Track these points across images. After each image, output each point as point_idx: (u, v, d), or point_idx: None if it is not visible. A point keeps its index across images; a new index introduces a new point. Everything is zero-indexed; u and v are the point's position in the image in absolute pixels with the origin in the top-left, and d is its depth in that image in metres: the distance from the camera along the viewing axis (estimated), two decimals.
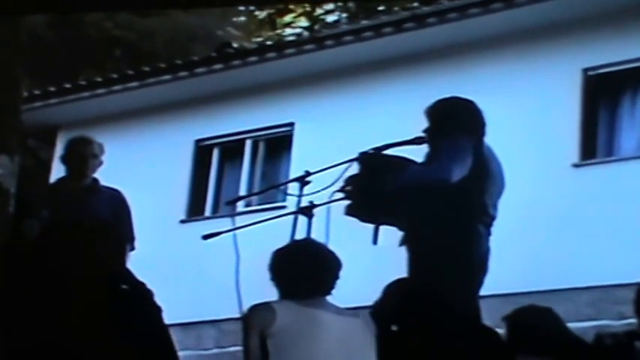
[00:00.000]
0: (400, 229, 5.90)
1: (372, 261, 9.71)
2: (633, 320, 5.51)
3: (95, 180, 7.09)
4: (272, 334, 4.72)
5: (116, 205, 6.93)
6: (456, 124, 5.88)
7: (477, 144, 5.82)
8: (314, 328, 4.77)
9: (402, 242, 5.84)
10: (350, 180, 5.86)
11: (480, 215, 5.77)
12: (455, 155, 5.68)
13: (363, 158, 5.92)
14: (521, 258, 10.37)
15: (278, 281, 4.96)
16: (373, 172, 5.84)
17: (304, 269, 4.92)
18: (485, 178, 5.81)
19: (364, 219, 5.96)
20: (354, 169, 5.92)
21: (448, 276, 5.57)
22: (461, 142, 5.76)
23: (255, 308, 4.83)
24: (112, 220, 6.73)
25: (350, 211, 5.90)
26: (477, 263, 5.73)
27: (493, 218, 5.86)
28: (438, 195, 5.68)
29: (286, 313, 4.77)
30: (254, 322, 4.77)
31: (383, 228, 5.98)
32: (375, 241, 5.92)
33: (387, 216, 5.90)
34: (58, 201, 6.87)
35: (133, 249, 6.96)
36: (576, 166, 11.12)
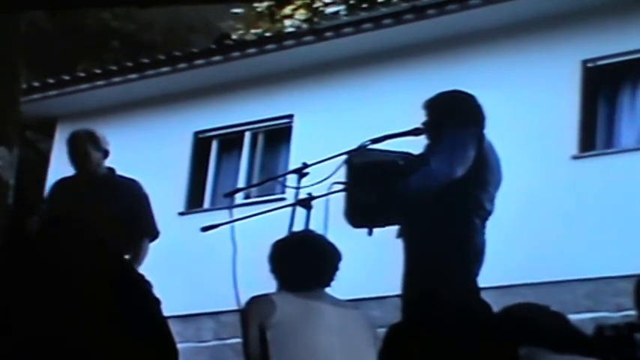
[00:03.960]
0: (397, 223, 5.92)
1: (370, 253, 9.71)
2: (632, 312, 5.52)
3: (111, 170, 7.05)
4: (271, 326, 4.72)
5: (132, 195, 6.88)
6: (458, 116, 5.90)
7: (480, 137, 5.84)
8: (313, 320, 4.77)
9: (400, 234, 5.85)
10: (341, 189, 5.85)
11: (477, 208, 5.78)
12: (457, 150, 5.71)
13: (351, 164, 5.91)
14: (520, 250, 10.37)
15: (277, 273, 4.96)
16: (365, 181, 5.84)
17: (304, 261, 4.92)
18: (484, 171, 5.82)
19: (366, 226, 5.96)
20: (342, 175, 5.90)
21: (445, 268, 5.57)
22: (463, 135, 5.78)
23: (254, 300, 4.82)
24: (126, 210, 6.69)
25: (355, 223, 5.90)
26: (473, 256, 5.74)
27: (490, 212, 5.87)
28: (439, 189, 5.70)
29: (285, 305, 4.77)
30: (253, 314, 4.77)
31: None
32: (370, 233, 5.92)
33: (385, 216, 5.90)
34: (67, 194, 6.86)
35: (154, 238, 6.90)
36: (576, 157, 11.11)
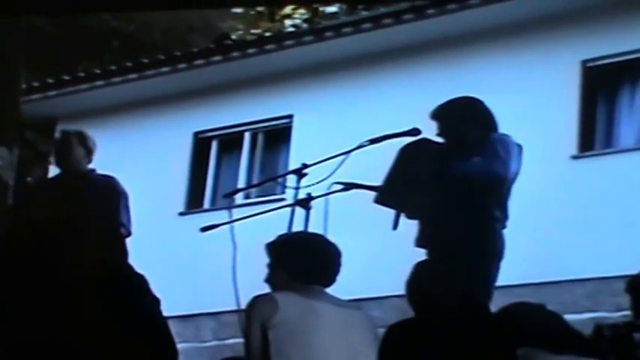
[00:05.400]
0: (410, 217, 5.95)
1: (370, 253, 9.72)
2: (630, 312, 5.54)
3: (91, 170, 7.08)
4: (274, 326, 4.68)
5: (108, 192, 6.90)
6: (475, 121, 5.97)
7: (520, 146, 5.93)
8: (316, 321, 4.73)
9: (419, 243, 5.89)
10: (411, 159, 5.90)
11: (498, 213, 5.85)
12: (509, 152, 5.81)
13: (421, 142, 5.93)
14: (519, 250, 10.32)
15: (283, 265, 4.89)
16: (434, 157, 5.89)
17: (310, 258, 4.89)
18: (515, 177, 5.93)
19: (389, 205, 5.99)
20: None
21: (466, 272, 5.59)
22: (511, 140, 5.95)
23: (257, 299, 4.77)
24: (103, 207, 6.71)
25: (380, 200, 5.94)
26: (491, 259, 5.80)
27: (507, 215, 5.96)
28: (468, 190, 5.74)
29: (288, 305, 4.72)
30: (256, 314, 4.72)
31: (383, 220, 6.01)
32: (395, 227, 5.95)
33: (409, 206, 5.95)
34: (50, 195, 6.88)
35: (128, 235, 6.93)
36: (575, 157, 11.12)
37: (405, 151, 5.99)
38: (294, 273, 4.88)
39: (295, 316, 4.71)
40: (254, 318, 4.72)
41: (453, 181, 5.80)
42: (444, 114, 6.04)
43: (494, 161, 5.80)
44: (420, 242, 5.92)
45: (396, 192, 5.95)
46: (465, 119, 5.99)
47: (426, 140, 5.98)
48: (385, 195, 5.98)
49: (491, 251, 5.81)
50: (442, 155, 5.91)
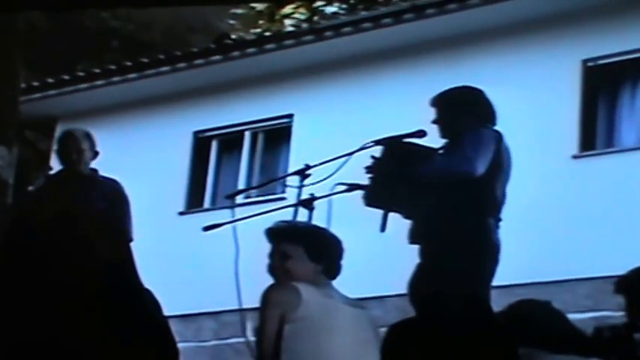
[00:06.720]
0: (407, 217, 5.92)
1: (371, 253, 9.71)
2: None
3: (94, 170, 7.09)
4: (293, 320, 4.49)
5: (113, 195, 6.93)
6: (471, 112, 5.92)
7: (498, 138, 5.87)
8: (333, 321, 4.61)
9: (412, 239, 5.86)
10: (374, 164, 5.87)
11: (490, 208, 5.81)
12: (478, 147, 5.74)
13: (389, 144, 5.92)
14: (521, 249, 10.33)
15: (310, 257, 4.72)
16: (398, 159, 5.86)
17: (336, 253, 4.78)
18: (498, 171, 5.87)
19: (379, 206, 5.97)
20: (378, 152, 5.93)
21: (461, 268, 5.56)
22: (483, 133, 5.80)
23: (279, 288, 4.54)
24: (108, 209, 6.72)
25: (369, 201, 5.92)
26: (487, 256, 5.76)
27: (500, 209, 5.91)
28: (455, 187, 5.71)
29: (311, 301, 4.53)
30: (277, 303, 4.50)
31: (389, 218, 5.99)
32: (383, 229, 5.92)
33: (401, 205, 5.92)
34: (54, 193, 6.88)
35: (130, 240, 6.95)
36: (576, 157, 11.11)
37: (387, 148, 5.98)
38: (323, 264, 4.70)
39: (316, 314, 4.52)
40: (274, 307, 4.48)
41: (419, 182, 5.77)
42: (441, 101, 6.02)
43: (455, 160, 5.75)
44: (412, 239, 5.90)
45: (381, 193, 5.94)
46: (460, 107, 5.96)
47: (394, 141, 5.96)
48: (373, 197, 5.96)
49: (486, 248, 5.77)
50: (408, 156, 5.88)
